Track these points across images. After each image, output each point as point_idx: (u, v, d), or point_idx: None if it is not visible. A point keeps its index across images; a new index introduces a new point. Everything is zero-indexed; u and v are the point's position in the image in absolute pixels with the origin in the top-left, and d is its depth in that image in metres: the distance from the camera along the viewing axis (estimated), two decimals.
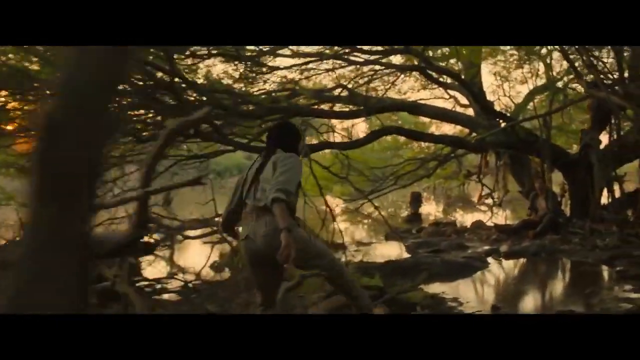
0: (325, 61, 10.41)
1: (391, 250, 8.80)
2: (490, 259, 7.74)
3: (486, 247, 8.53)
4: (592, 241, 8.30)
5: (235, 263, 7.02)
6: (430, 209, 17.04)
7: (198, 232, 9.02)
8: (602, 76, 8.12)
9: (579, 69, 8.67)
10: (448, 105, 17.31)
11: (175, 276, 6.68)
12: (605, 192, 9.48)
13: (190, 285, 6.45)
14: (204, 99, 8.05)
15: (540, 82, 12.31)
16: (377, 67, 11.52)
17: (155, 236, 8.71)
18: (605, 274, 6.81)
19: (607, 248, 7.96)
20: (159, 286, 6.60)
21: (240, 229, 3.34)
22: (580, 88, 10.84)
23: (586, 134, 8.61)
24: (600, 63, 8.90)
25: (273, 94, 10.43)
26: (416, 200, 13.40)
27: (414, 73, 12.03)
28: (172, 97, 6.64)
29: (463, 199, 18.17)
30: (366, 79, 12.40)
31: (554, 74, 11.25)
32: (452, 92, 13.12)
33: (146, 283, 6.77)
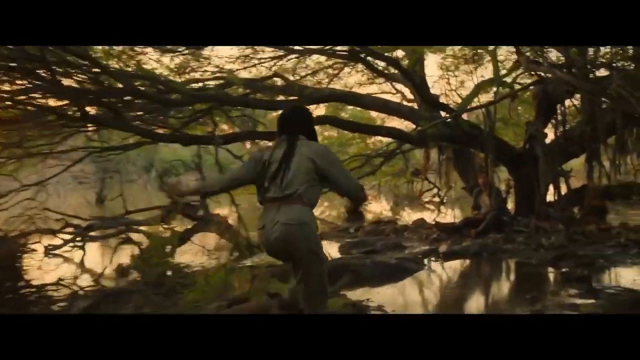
0: (264, 51, 9.79)
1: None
2: (427, 260, 7.06)
3: (424, 248, 7.86)
4: (537, 240, 7.73)
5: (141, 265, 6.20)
6: (376, 208, 16.40)
7: (109, 231, 8.21)
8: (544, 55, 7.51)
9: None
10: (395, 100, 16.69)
11: (62, 282, 5.74)
12: (551, 188, 8.96)
13: (81, 291, 5.60)
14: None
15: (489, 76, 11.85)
16: (322, 58, 10.93)
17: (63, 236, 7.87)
18: (551, 276, 6.20)
19: (552, 247, 7.41)
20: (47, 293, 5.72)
21: (259, 219, 3.14)
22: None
23: (531, 125, 8.00)
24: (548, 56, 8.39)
25: (203, 83, 9.66)
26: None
27: (360, 67, 11.46)
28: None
29: (410, 197, 17.59)
30: (309, 71, 11.80)
31: (503, 68, 10.80)
32: (399, 87, 12.58)
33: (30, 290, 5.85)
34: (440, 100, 10.70)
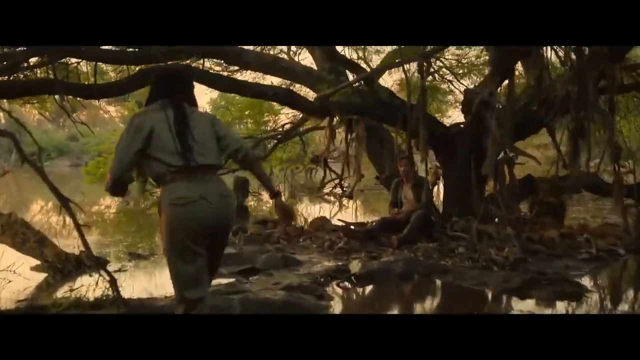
0: None
1: None
2: (331, 289, 4.58)
3: (328, 264, 5.37)
4: (484, 252, 5.45)
5: None
6: (265, 202, 13.77)
7: None
8: None
9: None
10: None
11: None
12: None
13: None
14: None
15: None
16: None
17: None
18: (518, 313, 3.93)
19: (507, 264, 5.16)
20: None
21: (171, 190, 2.62)
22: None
23: (483, 88, 5.62)
24: None
25: None
26: (241, 188, 9.93)
27: None
28: None
29: (310, 187, 15.12)
30: None
31: None
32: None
33: None
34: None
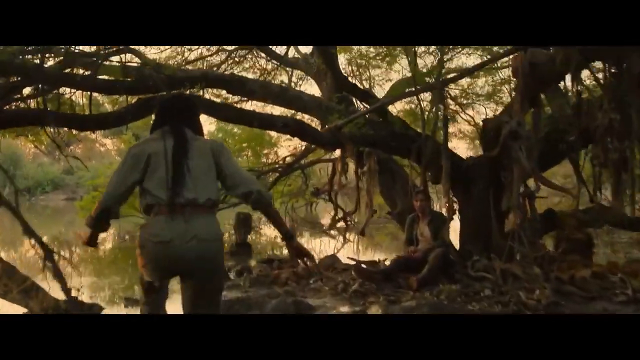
0: None
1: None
2: None
3: (344, 309, 4.92)
4: (514, 295, 5.01)
5: None
6: (269, 236, 13.33)
7: None
8: None
9: None
10: None
11: None
12: None
13: None
14: None
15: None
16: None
17: None
18: None
19: (540, 307, 4.73)
20: None
21: (151, 225, 2.54)
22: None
23: (509, 118, 5.21)
24: None
25: None
26: (243, 224, 9.50)
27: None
28: None
29: (312, 222, 14.70)
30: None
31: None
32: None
33: None
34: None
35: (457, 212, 7.00)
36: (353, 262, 6.75)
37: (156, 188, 2.54)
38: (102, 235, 2.88)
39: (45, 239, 13.95)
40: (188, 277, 2.59)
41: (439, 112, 5.99)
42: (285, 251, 10.26)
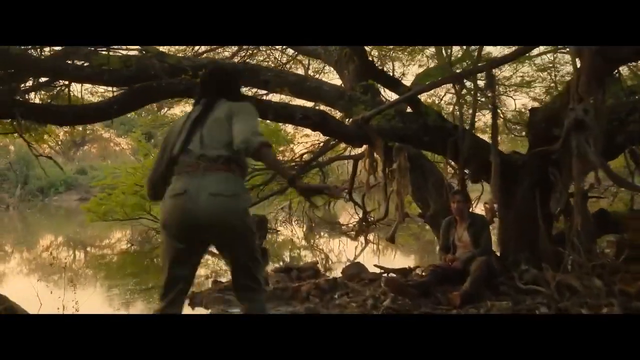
0: None
1: None
2: None
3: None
4: (575, 311, 4.27)
5: None
6: (286, 238, 12.65)
7: None
8: None
9: None
10: None
11: None
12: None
13: None
14: None
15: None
16: None
17: None
18: None
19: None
20: None
21: (169, 187, 2.64)
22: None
23: (573, 104, 4.38)
24: None
25: None
26: (258, 228, 8.81)
27: None
28: None
29: (330, 222, 13.98)
30: None
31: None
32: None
33: None
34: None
35: (496, 215, 6.25)
36: (381, 272, 6.05)
37: (174, 149, 2.67)
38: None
39: (60, 240, 13.53)
40: (209, 237, 2.60)
41: (482, 99, 5.22)
42: (305, 259, 9.60)
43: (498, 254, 5.99)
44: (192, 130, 2.66)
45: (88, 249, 12.50)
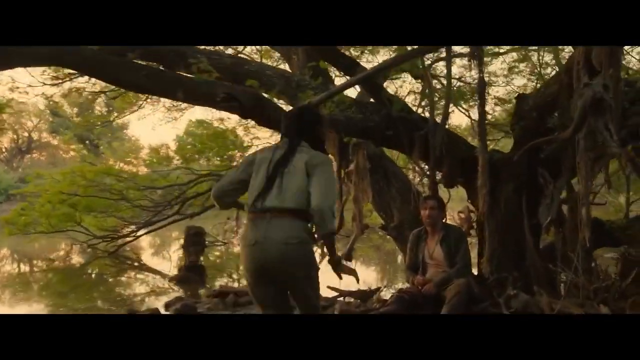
0: None
1: None
2: None
3: None
4: None
5: None
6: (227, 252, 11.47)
7: None
8: None
9: None
10: None
11: None
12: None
13: None
14: None
15: None
16: None
17: None
18: None
19: None
20: None
21: (243, 233, 2.82)
22: None
23: (586, 80, 3.35)
24: None
25: None
26: (193, 242, 7.63)
27: None
28: None
29: None
30: None
31: None
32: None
33: None
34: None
35: (474, 225, 5.24)
36: (337, 295, 4.97)
37: (251, 193, 2.75)
38: None
39: None
40: (278, 282, 2.71)
41: (462, 82, 4.20)
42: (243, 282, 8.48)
43: (476, 272, 4.99)
44: (273, 176, 2.70)
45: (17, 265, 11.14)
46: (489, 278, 4.66)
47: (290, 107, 4.55)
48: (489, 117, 7.75)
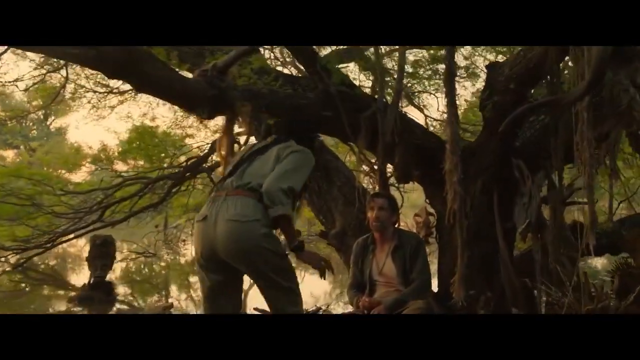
0: None
1: None
2: None
3: None
4: None
5: None
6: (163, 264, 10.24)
7: None
8: None
9: None
10: None
11: None
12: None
13: None
14: None
15: None
16: None
17: None
18: None
19: None
20: None
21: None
22: None
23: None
24: None
25: None
26: (100, 254, 6.46)
27: None
28: None
29: None
30: None
31: None
32: None
33: None
34: None
35: (434, 230, 4.26)
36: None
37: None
38: None
39: None
40: (229, 268, 2.56)
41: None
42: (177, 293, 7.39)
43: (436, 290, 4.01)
44: (243, 161, 2.69)
45: None
46: (452, 298, 3.69)
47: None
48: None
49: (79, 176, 10.77)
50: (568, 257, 3.64)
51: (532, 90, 3.60)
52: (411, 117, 4.16)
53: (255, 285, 2.64)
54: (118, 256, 11.56)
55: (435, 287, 3.97)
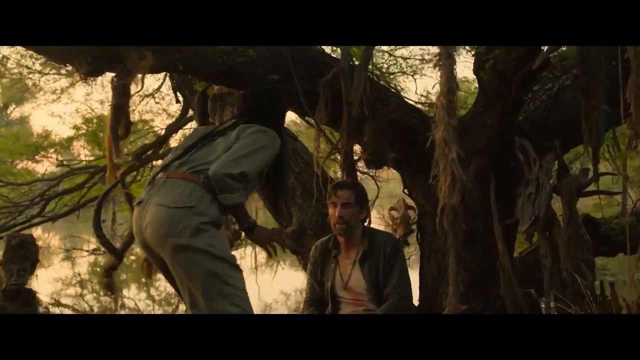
0: None
1: None
2: None
3: None
4: None
5: None
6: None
7: None
8: None
9: None
10: None
11: None
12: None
13: None
14: None
15: None
16: None
17: None
18: None
19: None
20: None
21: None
22: None
23: None
24: None
25: None
26: (17, 257, 5.50)
27: None
28: None
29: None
30: None
31: None
32: None
33: None
34: None
35: (413, 228, 3.44)
36: None
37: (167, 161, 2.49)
38: None
39: None
40: (155, 249, 2.25)
41: None
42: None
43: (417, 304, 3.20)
44: (192, 147, 2.38)
45: None
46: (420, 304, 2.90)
47: None
48: None
49: (26, 166, 9.86)
50: (585, 262, 2.87)
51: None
52: (385, 84, 3.32)
53: None
54: (62, 255, 10.62)
55: (415, 300, 3.16)
